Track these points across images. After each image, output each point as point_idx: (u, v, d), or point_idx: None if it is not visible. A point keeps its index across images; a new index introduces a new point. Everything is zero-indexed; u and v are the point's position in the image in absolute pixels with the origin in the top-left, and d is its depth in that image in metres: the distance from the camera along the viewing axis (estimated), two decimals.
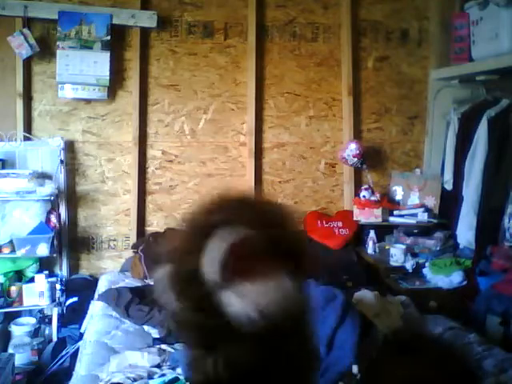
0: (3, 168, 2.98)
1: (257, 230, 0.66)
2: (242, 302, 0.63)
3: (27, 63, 3.10)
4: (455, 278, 2.73)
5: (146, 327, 2.36)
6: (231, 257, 0.63)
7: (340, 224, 3.34)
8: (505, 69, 2.72)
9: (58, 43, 3.04)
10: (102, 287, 2.85)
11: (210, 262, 0.64)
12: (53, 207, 3.05)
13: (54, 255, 3.02)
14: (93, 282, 3.11)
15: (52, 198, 2.95)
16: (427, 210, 3.24)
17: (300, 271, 0.68)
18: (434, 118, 3.45)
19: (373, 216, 3.25)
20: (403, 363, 0.83)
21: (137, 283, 2.88)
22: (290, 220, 0.73)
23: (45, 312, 3.05)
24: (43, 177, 3.00)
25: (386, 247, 3.15)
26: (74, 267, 3.25)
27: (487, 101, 3.05)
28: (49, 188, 2.90)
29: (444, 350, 0.87)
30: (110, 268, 3.27)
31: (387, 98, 3.52)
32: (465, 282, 2.72)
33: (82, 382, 1.97)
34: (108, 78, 3.10)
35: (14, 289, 2.93)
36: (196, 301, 0.65)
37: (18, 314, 3.03)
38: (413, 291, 2.67)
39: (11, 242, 2.90)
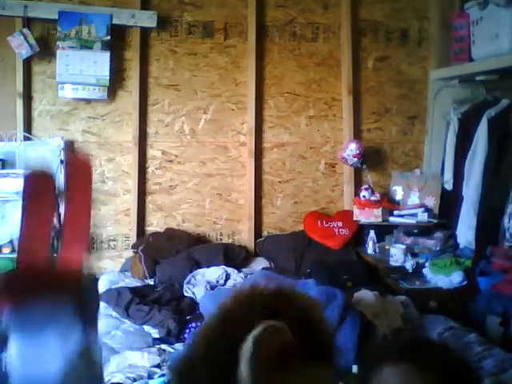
0: (3, 168, 2.99)
1: (290, 327, 0.68)
2: None
3: (27, 63, 3.10)
4: (455, 278, 2.73)
5: (146, 327, 2.36)
6: (261, 361, 0.65)
7: (340, 224, 3.34)
8: (505, 69, 2.71)
9: (58, 43, 3.04)
10: (101, 287, 2.84)
11: (245, 361, 0.66)
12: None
13: (54, 255, 3.01)
14: None
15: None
16: (427, 209, 3.24)
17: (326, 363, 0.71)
18: (434, 118, 3.45)
19: (373, 216, 3.25)
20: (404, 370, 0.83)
21: (137, 283, 2.88)
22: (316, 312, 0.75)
23: None
24: None
25: (386, 247, 3.15)
26: None
27: (487, 101, 3.05)
28: None
29: (446, 357, 0.87)
30: (110, 268, 3.27)
31: (387, 98, 3.52)
32: (465, 282, 2.72)
33: None
34: (108, 78, 3.10)
35: None
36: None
37: None
38: (413, 291, 2.67)
39: (11, 242, 2.90)
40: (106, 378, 1.87)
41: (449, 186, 3.20)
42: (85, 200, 0.77)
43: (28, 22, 3.00)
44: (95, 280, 0.82)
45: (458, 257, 2.97)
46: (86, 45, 3.05)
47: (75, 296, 0.70)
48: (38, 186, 0.74)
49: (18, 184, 2.85)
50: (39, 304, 0.66)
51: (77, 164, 0.78)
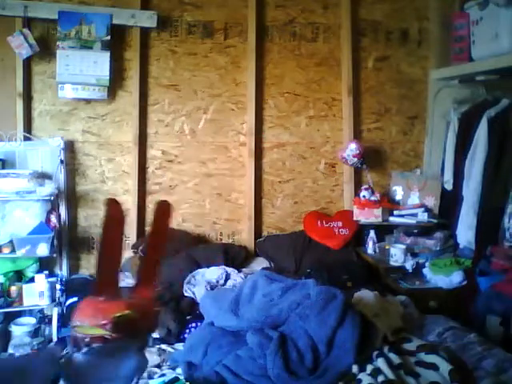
0: (3, 168, 2.98)
1: None
2: None
3: (27, 63, 3.10)
4: (455, 278, 2.73)
5: None
6: None
7: (340, 224, 3.34)
8: (505, 69, 2.71)
9: (58, 43, 3.04)
10: None
11: None
12: (53, 207, 3.05)
13: (54, 255, 3.02)
14: (93, 282, 3.11)
15: (52, 198, 2.95)
16: (427, 210, 3.24)
17: None
18: (434, 118, 3.45)
19: (373, 216, 3.24)
20: None
21: None
22: None
23: (45, 312, 3.05)
24: (43, 177, 3.00)
25: (386, 247, 3.15)
26: (73, 267, 3.25)
27: (487, 101, 3.05)
28: (49, 188, 2.90)
29: None
30: None
31: (387, 98, 3.52)
32: (465, 282, 2.72)
33: None
34: (108, 78, 3.10)
35: (14, 289, 2.93)
36: None
37: (18, 314, 3.03)
38: (413, 291, 2.67)
39: (11, 242, 2.90)
40: None
41: (449, 186, 3.19)
42: (162, 243, 0.84)
43: (28, 22, 3.00)
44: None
45: (458, 257, 2.97)
46: (85, 45, 3.05)
47: (156, 327, 0.81)
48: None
49: (18, 184, 2.85)
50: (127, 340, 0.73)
51: (159, 209, 0.85)
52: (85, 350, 0.70)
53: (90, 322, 0.71)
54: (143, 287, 0.82)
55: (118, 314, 0.70)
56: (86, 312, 0.72)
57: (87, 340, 0.70)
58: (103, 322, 0.70)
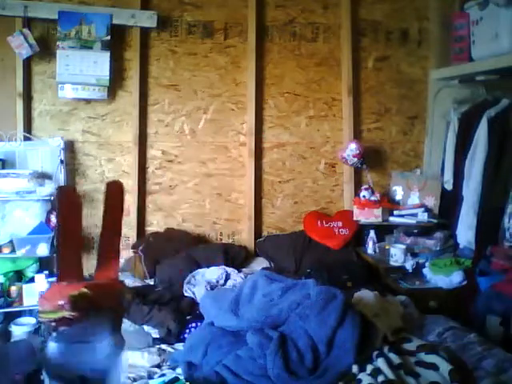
0: (3, 168, 2.98)
1: None
2: None
3: (27, 63, 3.10)
4: (455, 278, 2.73)
5: (146, 327, 2.35)
6: None
7: (340, 224, 3.34)
8: (505, 69, 2.71)
9: (58, 43, 3.04)
10: None
11: None
12: (53, 207, 3.05)
13: (54, 255, 3.02)
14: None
15: (52, 197, 2.95)
16: (427, 210, 3.24)
17: None
18: (433, 118, 3.45)
19: (373, 216, 3.24)
20: None
21: (137, 283, 2.88)
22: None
23: None
24: (43, 177, 3.00)
25: (386, 247, 3.15)
26: None
27: (487, 101, 3.05)
28: (49, 188, 2.90)
29: None
30: None
31: (387, 98, 3.52)
32: (465, 282, 2.72)
33: None
34: (108, 78, 3.10)
35: (14, 289, 2.94)
36: None
37: (18, 314, 3.03)
38: (413, 291, 2.67)
39: (11, 242, 2.90)
40: None
41: (449, 186, 3.19)
42: (117, 222, 0.86)
43: (28, 22, 3.00)
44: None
45: (458, 257, 2.97)
46: (85, 45, 3.05)
47: (122, 306, 0.82)
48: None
49: (18, 184, 2.85)
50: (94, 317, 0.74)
51: (110, 189, 0.86)
52: (54, 334, 0.72)
53: (50, 305, 0.73)
54: (104, 268, 0.83)
55: (75, 293, 0.72)
56: (47, 297, 0.74)
57: (53, 324, 0.72)
58: (61, 302, 0.72)
